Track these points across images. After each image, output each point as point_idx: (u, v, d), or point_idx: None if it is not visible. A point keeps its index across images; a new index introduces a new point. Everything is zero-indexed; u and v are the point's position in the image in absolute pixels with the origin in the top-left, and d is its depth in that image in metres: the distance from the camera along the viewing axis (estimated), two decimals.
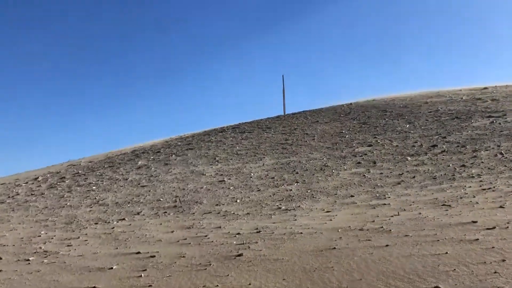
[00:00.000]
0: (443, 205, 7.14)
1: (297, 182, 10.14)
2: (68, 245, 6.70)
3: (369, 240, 5.50)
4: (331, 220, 6.94)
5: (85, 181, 12.89)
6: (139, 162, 14.64)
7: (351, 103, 21.77)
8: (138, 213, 8.82)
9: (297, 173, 11.06)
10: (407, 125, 15.15)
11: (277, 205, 8.39)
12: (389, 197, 8.17)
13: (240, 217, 7.75)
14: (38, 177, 14.51)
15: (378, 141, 13.57)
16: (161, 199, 9.80)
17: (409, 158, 11.32)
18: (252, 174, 11.43)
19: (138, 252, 5.95)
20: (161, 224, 7.78)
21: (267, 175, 11.18)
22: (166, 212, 8.72)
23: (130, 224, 7.93)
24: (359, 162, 11.42)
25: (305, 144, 14.24)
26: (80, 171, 14.59)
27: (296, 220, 7.16)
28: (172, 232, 7.11)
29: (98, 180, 12.75)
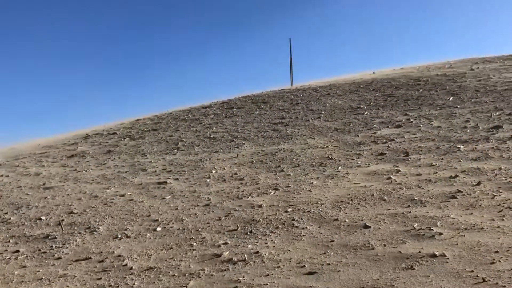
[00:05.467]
0: None
1: (276, 190, 6.05)
2: None
3: None
4: None
5: None
6: (79, 148, 10.74)
7: (373, 72, 17.43)
8: None
9: (282, 170, 6.96)
10: (450, 97, 10.84)
11: (219, 246, 4.31)
12: (440, 234, 4.02)
13: (132, 277, 3.73)
14: None
15: (411, 119, 9.32)
16: (44, 218, 5.83)
17: (461, 146, 7.11)
18: (213, 171, 7.38)
19: None
20: None
21: (235, 173, 7.10)
22: (18, 251, 4.74)
23: None
24: (381, 153, 7.25)
25: (306, 125, 10.08)
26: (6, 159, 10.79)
27: None
28: None
29: (3, 175, 8.91)
